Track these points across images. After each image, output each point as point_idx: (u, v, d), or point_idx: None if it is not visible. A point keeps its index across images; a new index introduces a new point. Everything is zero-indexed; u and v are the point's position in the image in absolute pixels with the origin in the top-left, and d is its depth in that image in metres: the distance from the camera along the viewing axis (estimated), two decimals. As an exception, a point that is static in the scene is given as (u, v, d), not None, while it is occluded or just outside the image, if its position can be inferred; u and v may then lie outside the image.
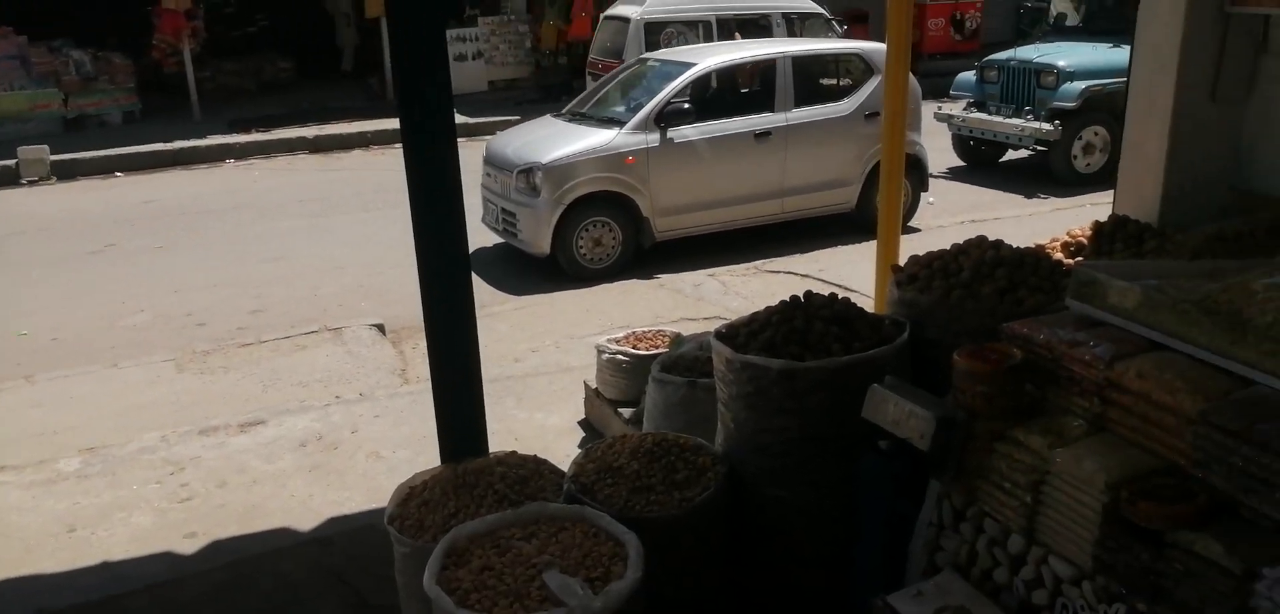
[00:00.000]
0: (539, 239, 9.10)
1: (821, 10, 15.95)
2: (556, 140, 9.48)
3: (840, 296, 4.17)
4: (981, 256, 4.13)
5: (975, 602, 3.11)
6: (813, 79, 10.56)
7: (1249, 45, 4.67)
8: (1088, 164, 11.76)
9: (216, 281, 9.61)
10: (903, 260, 4.45)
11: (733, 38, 14.19)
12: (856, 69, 10.54)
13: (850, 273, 8.63)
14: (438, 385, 3.81)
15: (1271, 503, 2.54)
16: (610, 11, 15.88)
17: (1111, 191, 5.20)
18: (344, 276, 9.63)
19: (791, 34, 14.85)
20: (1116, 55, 11.65)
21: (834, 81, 10.68)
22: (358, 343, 7.68)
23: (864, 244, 9.71)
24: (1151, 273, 3.34)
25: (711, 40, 14.27)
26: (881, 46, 10.92)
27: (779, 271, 9.09)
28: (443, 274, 3.67)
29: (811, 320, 3.95)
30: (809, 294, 4.17)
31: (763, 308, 4.23)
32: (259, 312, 8.80)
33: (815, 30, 15.34)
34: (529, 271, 9.37)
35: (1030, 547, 3.05)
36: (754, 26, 14.94)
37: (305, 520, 5.14)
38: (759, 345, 3.91)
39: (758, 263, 9.40)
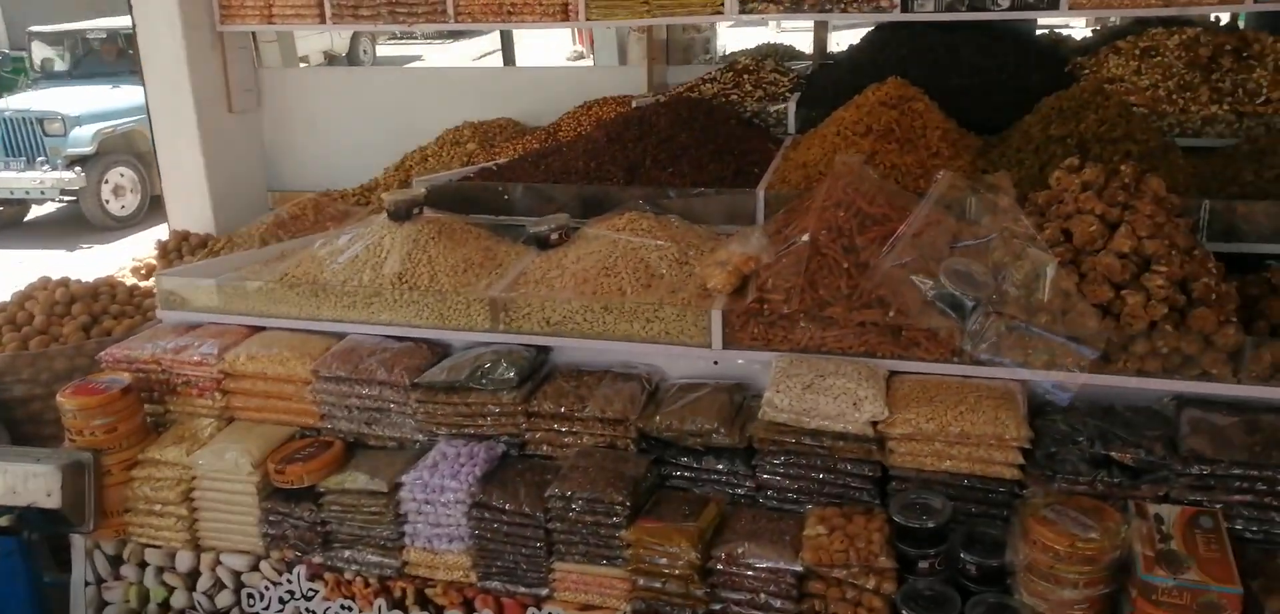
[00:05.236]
0: None
1: None
2: None
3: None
4: (53, 297, 3.84)
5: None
6: None
7: (247, 59, 5.20)
8: (123, 206, 11.57)
9: None
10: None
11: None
12: None
13: None
14: None
15: (389, 426, 3.04)
16: None
17: (160, 226, 5.27)
18: None
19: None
20: (119, 96, 11.61)
21: None
22: None
23: None
24: (230, 267, 3.57)
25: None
26: None
27: None
28: None
29: None
30: None
31: None
32: None
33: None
34: None
35: (200, 556, 3.05)
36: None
37: None
38: None
39: None
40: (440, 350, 3.13)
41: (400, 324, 3.16)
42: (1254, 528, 2.31)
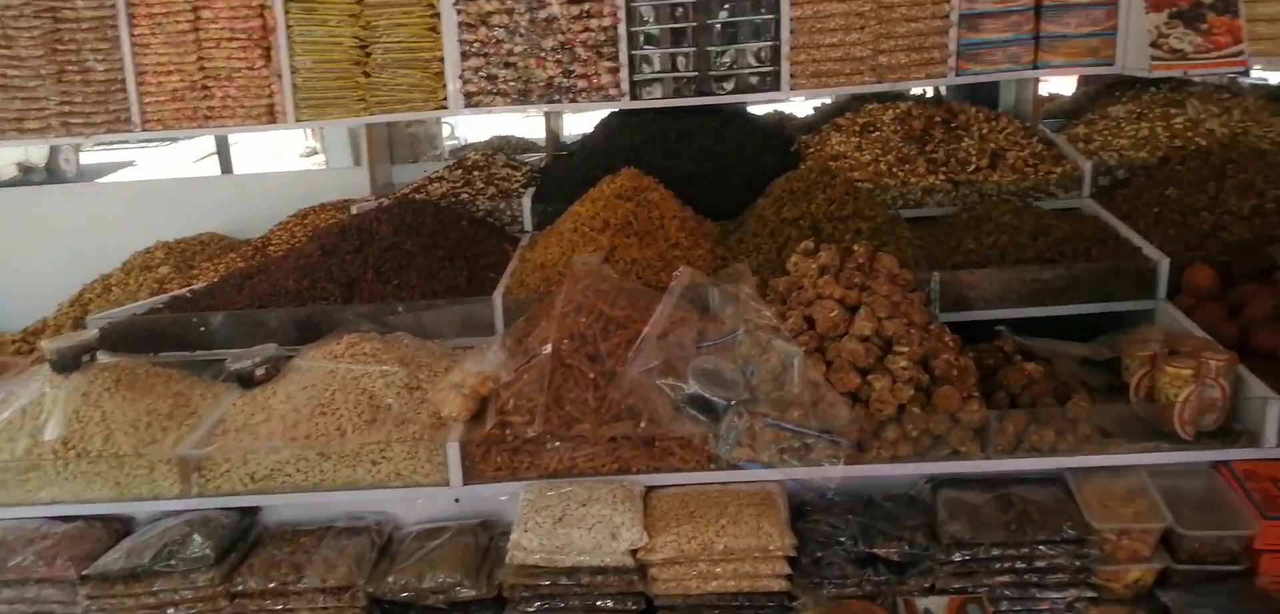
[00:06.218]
0: None
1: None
2: None
3: None
4: None
5: None
6: None
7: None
8: None
9: None
10: None
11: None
12: None
13: None
14: None
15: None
16: None
17: None
18: None
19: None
20: None
21: None
22: None
23: None
24: None
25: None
26: None
27: None
28: None
29: None
30: None
31: None
32: None
33: None
34: None
35: None
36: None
37: None
38: None
39: None
40: (119, 529, 2.60)
41: (67, 501, 2.60)
42: (1018, 608, 2.26)
